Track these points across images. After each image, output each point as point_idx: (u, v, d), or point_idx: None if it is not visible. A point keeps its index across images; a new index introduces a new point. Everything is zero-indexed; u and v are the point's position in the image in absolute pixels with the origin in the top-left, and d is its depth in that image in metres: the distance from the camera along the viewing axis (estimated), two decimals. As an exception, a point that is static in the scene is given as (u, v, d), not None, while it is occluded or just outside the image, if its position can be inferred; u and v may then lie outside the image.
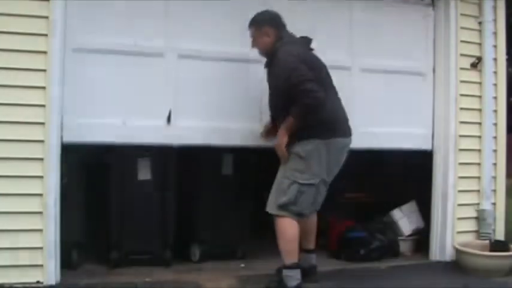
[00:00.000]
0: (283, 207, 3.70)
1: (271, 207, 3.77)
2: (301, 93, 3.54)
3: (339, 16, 4.51)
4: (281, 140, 3.70)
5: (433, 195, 4.79)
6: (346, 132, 3.83)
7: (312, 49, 3.88)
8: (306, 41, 3.86)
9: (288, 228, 3.72)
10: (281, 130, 3.72)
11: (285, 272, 3.72)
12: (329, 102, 3.67)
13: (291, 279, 3.70)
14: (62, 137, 3.78)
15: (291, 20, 3.95)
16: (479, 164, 4.79)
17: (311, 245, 4.02)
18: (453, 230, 4.69)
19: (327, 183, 3.80)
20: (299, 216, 3.71)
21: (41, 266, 3.67)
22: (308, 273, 3.92)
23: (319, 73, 3.69)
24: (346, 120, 3.85)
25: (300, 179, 3.67)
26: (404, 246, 4.96)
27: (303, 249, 3.97)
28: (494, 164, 4.83)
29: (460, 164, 4.73)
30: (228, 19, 4.18)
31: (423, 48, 4.80)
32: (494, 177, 4.83)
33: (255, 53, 3.97)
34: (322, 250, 4.92)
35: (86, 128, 3.88)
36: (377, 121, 4.55)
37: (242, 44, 4.03)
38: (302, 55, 3.70)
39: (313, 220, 4.01)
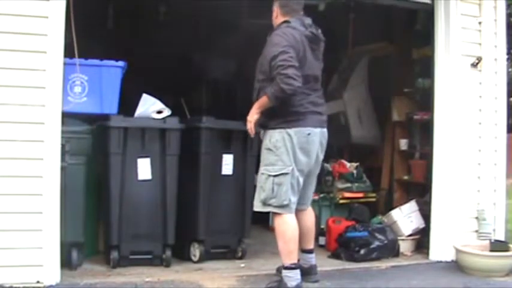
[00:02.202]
0: (265, 202, 3.76)
1: (256, 205, 3.86)
2: (280, 76, 3.57)
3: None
4: (251, 115, 3.80)
5: (433, 194, 4.79)
6: (314, 124, 3.80)
7: (317, 40, 3.85)
8: (312, 36, 3.82)
9: (287, 229, 3.72)
10: (254, 106, 3.80)
11: (285, 273, 3.71)
12: (301, 95, 3.70)
13: (291, 279, 3.69)
14: None
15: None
16: (479, 164, 4.79)
17: (310, 245, 4.02)
18: (453, 230, 4.69)
19: (302, 171, 3.79)
20: (283, 208, 3.72)
21: (41, 266, 3.66)
22: (308, 273, 3.92)
23: (301, 66, 3.67)
24: (317, 113, 3.82)
25: (272, 172, 3.72)
26: (404, 246, 4.96)
27: (302, 250, 3.96)
28: (495, 164, 4.83)
29: (460, 163, 4.73)
30: None
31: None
32: (494, 177, 4.83)
33: None
34: (322, 250, 4.93)
35: None
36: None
37: None
38: (294, 41, 3.68)
39: (311, 220, 4.02)
